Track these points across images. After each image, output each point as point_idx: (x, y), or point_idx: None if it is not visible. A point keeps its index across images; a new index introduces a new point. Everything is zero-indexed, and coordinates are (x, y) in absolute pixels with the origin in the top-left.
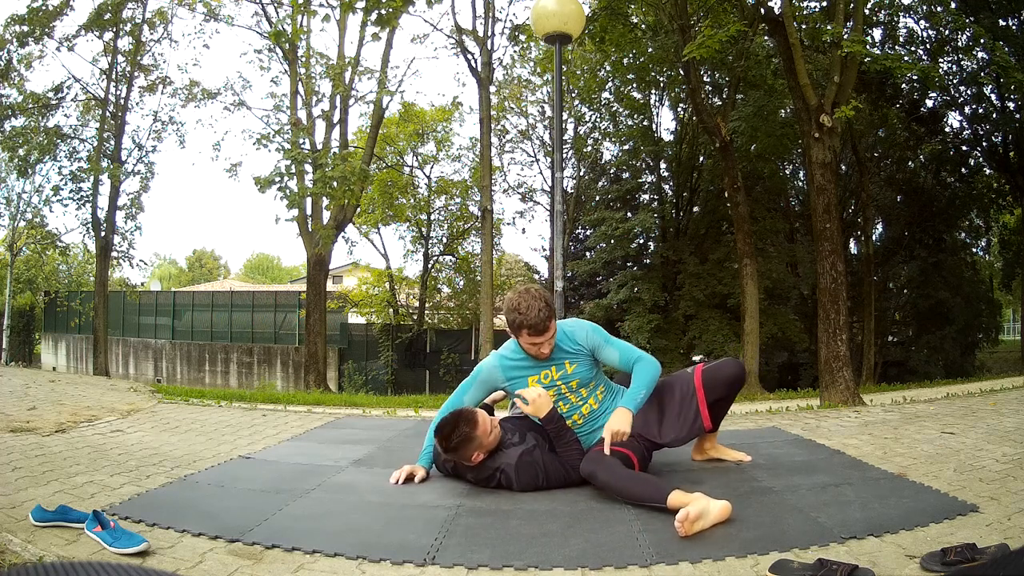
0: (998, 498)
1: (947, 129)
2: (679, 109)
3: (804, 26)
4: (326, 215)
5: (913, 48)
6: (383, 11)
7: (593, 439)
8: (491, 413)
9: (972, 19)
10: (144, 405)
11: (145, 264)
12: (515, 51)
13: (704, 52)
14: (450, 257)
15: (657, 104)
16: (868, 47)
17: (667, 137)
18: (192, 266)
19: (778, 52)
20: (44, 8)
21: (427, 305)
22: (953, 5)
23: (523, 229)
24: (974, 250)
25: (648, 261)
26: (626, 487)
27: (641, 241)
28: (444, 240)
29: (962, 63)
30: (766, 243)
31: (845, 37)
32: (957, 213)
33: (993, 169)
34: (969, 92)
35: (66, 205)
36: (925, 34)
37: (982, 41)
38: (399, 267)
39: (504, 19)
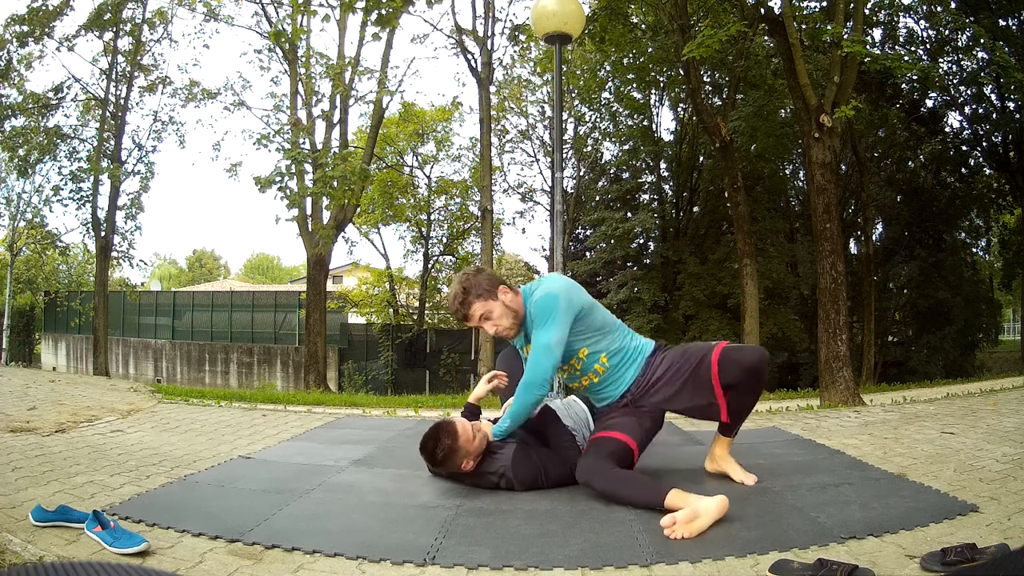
0: (998, 498)
1: (947, 129)
2: (679, 109)
3: (804, 26)
4: (326, 215)
5: (913, 48)
6: (383, 11)
7: (601, 402)
8: (478, 415)
9: (972, 19)
10: (144, 405)
11: (145, 264)
12: (515, 51)
13: (704, 52)
14: (450, 257)
15: (657, 104)
16: (868, 47)
17: (667, 137)
18: (192, 266)
19: (778, 52)
20: (44, 8)
21: (427, 305)
22: (953, 5)
23: (523, 229)
24: (974, 250)
25: (648, 261)
26: (624, 494)
27: (641, 241)
28: (444, 240)
29: (962, 63)
30: (766, 243)
31: (845, 37)
32: (957, 213)
33: (993, 169)
34: (969, 92)
35: (66, 205)
36: (925, 34)
37: (982, 41)
38: (399, 267)
39: (504, 19)
